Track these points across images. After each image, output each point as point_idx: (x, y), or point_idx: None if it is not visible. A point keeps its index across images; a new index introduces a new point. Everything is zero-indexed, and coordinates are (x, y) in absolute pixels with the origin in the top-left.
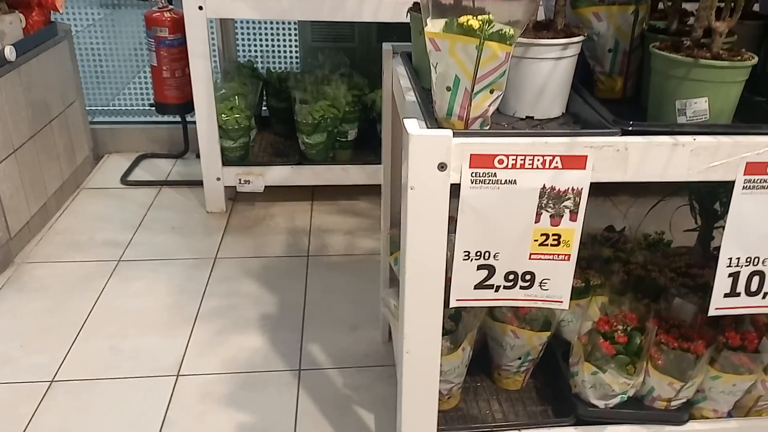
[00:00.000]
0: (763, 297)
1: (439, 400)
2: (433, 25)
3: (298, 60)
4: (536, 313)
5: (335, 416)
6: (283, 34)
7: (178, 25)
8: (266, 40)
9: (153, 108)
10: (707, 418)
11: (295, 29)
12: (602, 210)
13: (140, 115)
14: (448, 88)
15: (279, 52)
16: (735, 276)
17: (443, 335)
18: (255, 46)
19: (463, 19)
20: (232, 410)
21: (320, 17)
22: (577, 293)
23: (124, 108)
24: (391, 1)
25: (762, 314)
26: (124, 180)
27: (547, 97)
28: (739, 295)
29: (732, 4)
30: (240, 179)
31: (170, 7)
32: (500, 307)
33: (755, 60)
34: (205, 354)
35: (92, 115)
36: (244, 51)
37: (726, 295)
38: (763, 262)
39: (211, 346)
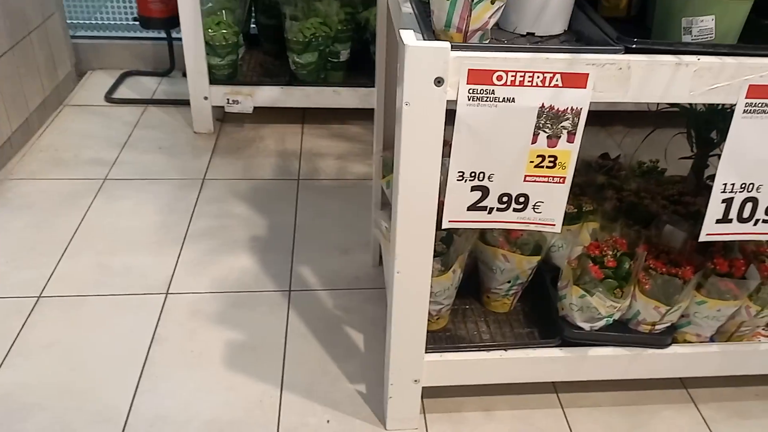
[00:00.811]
0: (755, 224)
1: (429, 320)
2: None
3: None
4: (527, 237)
5: (325, 335)
6: None
7: None
8: None
9: (137, 22)
10: (690, 342)
11: None
12: (597, 140)
13: (124, 30)
14: None
15: None
16: (728, 202)
17: (434, 257)
18: None
19: None
20: (222, 328)
21: None
22: (569, 219)
23: (107, 22)
24: None
25: (751, 241)
26: (109, 97)
27: (549, 13)
28: (731, 221)
29: None
30: (228, 99)
31: None
32: (492, 230)
33: None
34: (195, 273)
35: (74, 29)
36: None
37: (718, 221)
38: (757, 189)
39: (201, 265)
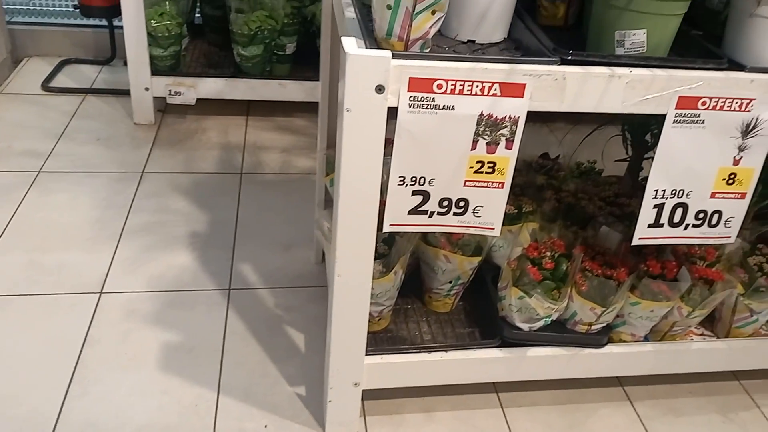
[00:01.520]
0: (685, 228)
1: (369, 321)
2: None
3: None
4: (468, 238)
5: (265, 335)
6: None
7: None
8: None
9: (77, 10)
10: (625, 341)
11: None
12: (539, 136)
13: (64, 17)
14: (389, 7)
15: None
16: (660, 207)
17: (376, 259)
18: None
19: None
20: (158, 329)
21: None
22: (509, 219)
23: (45, 8)
24: None
25: (682, 244)
26: (46, 86)
27: (489, 22)
28: (662, 225)
29: None
30: (170, 90)
31: None
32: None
33: None
34: (131, 271)
35: (10, 14)
36: None
37: (650, 226)
38: (687, 195)
39: (138, 263)
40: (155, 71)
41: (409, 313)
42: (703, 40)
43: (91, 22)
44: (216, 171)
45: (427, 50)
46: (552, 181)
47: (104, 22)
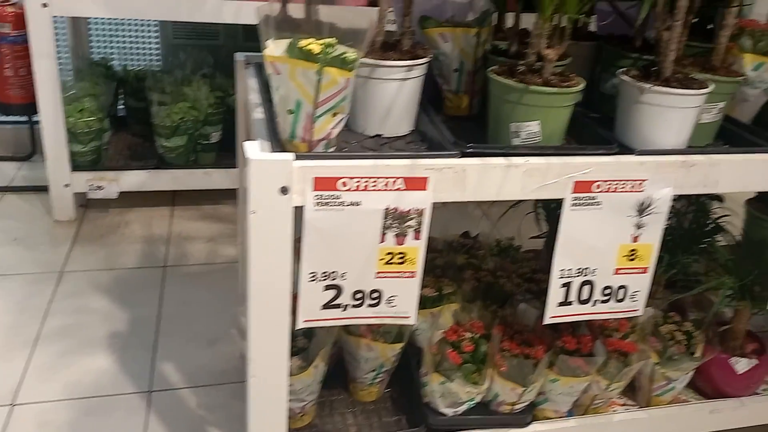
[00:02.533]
0: (593, 305)
1: (292, 418)
2: (274, 47)
3: (159, 57)
4: (389, 325)
5: None
6: (143, 31)
7: (23, 21)
8: (125, 36)
9: None
10: (549, 418)
11: (155, 25)
12: (466, 209)
13: None
14: (290, 111)
15: (139, 48)
16: (567, 286)
17: (295, 354)
18: (112, 42)
19: (303, 42)
20: None
21: (177, 17)
22: (430, 302)
23: None
24: (254, 3)
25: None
26: None
27: (394, 116)
28: (571, 303)
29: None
30: (91, 185)
31: (13, 1)
32: None
33: (582, 85)
34: (46, 379)
35: None
36: (99, 48)
37: (560, 304)
38: (592, 272)
39: (53, 370)
40: (76, 167)
41: (335, 405)
42: (598, 125)
43: (10, 118)
44: (138, 266)
45: (332, 149)
46: (472, 260)
47: (24, 118)
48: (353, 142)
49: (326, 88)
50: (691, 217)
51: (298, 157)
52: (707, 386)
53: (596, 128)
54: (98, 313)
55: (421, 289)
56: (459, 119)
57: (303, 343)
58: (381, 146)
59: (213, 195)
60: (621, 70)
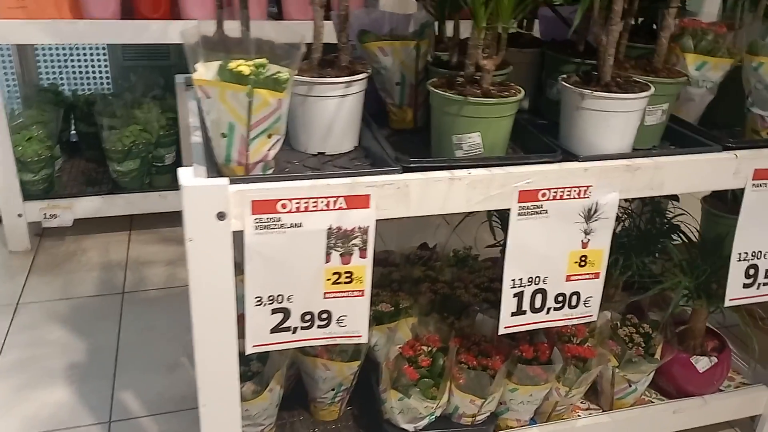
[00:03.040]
0: (547, 312)
1: None
2: (204, 71)
3: (110, 80)
4: (345, 344)
5: None
6: (93, 54)
7: None
8: (74, 60)
9: None
10: (512, 427)
11: (103, 48)
12: (424, 219)
13: None
14: (223, 135)
15: (90, 72)
16: (519, 295)
17: (249, 379)
18: (62, 67)
19: (233, 64)
20: None
21: (122, 40)
22: (387, 317)
23: None
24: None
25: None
26: None
27: (336, 134)
28: (525, 312)
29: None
30: (45, 214)
31: None
32: None
33: (521, 95)
34: (2, 415)
35: None
36: (48, 74)
37: (513, 314)
38: (543, 281)
39: (9, 405)
40: (28, 196)
41: (296, 426)
42: (544, 132)
43: None
44: (96, 293)
45: (270, 171)
46: (429, 272)
47: None
48: (295, 161)
49: (258, 110)
50: (646, 218)
51: (233, 182)
52: (670, 386)
53: (541, 136)
54: (56, 344)
55: (370, 306)
56: (404, 133)
57: (257, 367)
58: (323, 164)
59: (170, 217)
60: (562, 76)
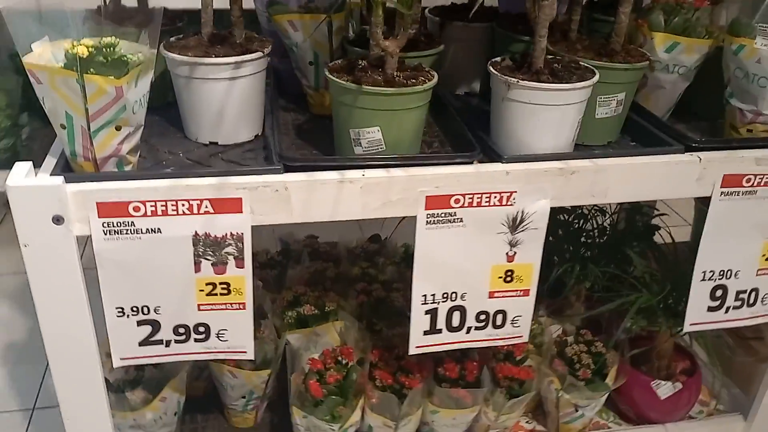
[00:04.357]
0: (467, 332)
1: None
2: (39, 51)
3: None
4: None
5: None
6: None
7: None
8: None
9: None
10: None
11: None
12: None
13: None
14: (63, 126)
15: None
16: (433, 313)
17: (139, 385)
18: None
19: (68, 44)
20: None
21: None
22: (314, 320)
23: None
24: None
25: None
26: None
27: (229, 121)
28: (440, 331)
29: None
30: None
31: None
32: None
33: (432, 83)
34: None
35: None
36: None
37: (426, 333)
38: (461, 297)
39: None
40: None
41: None
42: (477, 125)
43: None
44: None
45: (129, 166)
46: (370, 270)
47: None
48: (180, 152)
49: (94, 99)
50: (623, 217)
51: (71, 181)
52: (630, 410)
53: (466, 131)
54: None
55: (295, 307)
56: (324, 120)
57: (151, 373)
58: (210, 157)
59: None
60: (493, 59)
